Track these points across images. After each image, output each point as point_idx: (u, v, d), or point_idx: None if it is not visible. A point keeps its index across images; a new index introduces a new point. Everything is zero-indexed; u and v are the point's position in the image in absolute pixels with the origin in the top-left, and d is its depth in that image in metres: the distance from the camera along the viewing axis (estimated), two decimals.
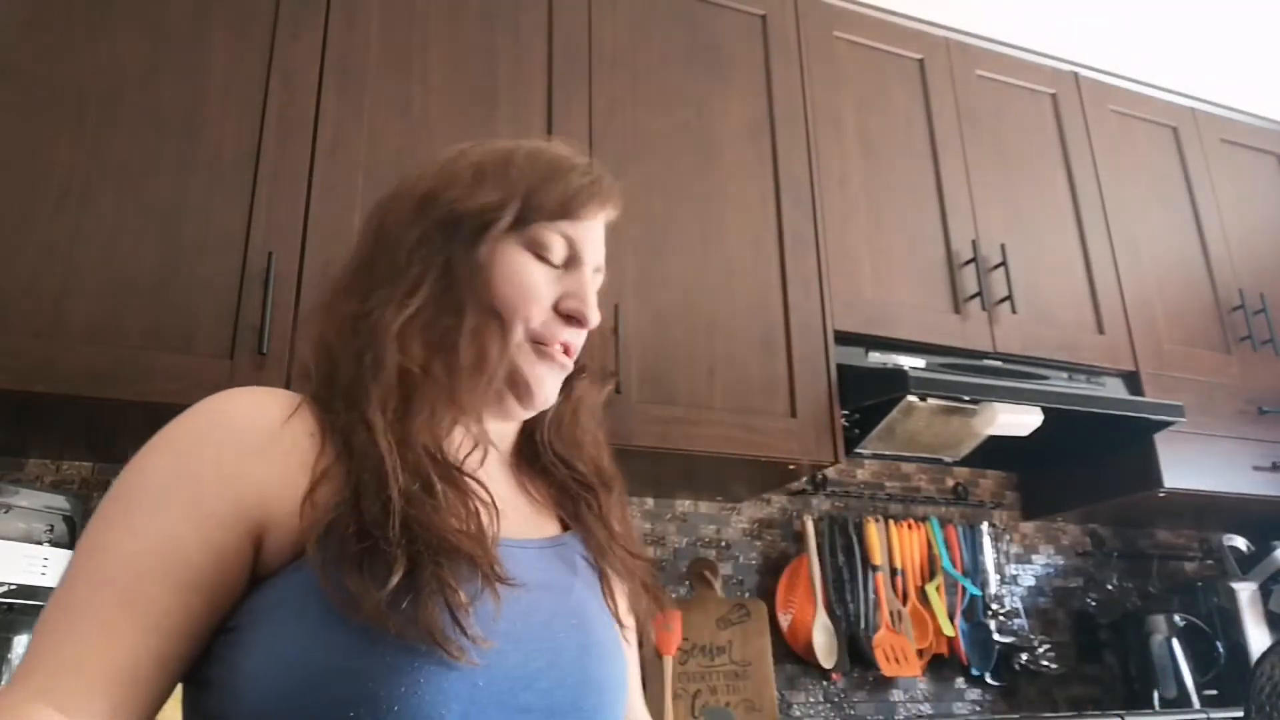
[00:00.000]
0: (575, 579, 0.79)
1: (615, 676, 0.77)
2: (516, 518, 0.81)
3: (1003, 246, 2.25)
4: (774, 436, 1.87)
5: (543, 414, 0.86)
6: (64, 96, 1.54)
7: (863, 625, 2.18)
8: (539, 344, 0.79)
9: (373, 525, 0.66)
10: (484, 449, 0.78)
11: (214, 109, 1.63)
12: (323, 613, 0.64)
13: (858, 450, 2.22)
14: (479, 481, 0.74)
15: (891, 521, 2.31)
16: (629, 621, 0.87)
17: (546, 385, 0.80)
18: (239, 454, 0.68)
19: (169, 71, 1.62)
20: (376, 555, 0.65)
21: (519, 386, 0.80)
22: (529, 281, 0.79)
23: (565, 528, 0.85)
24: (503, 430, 0.85)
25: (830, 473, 2.30)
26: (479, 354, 0.77)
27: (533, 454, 0.88)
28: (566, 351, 0.81)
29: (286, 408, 0.72)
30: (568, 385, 0.86)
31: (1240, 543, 2.54)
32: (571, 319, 0.80)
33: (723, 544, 2.19)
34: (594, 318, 0.81)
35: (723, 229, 1.98)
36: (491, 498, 0.74)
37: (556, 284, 0.81)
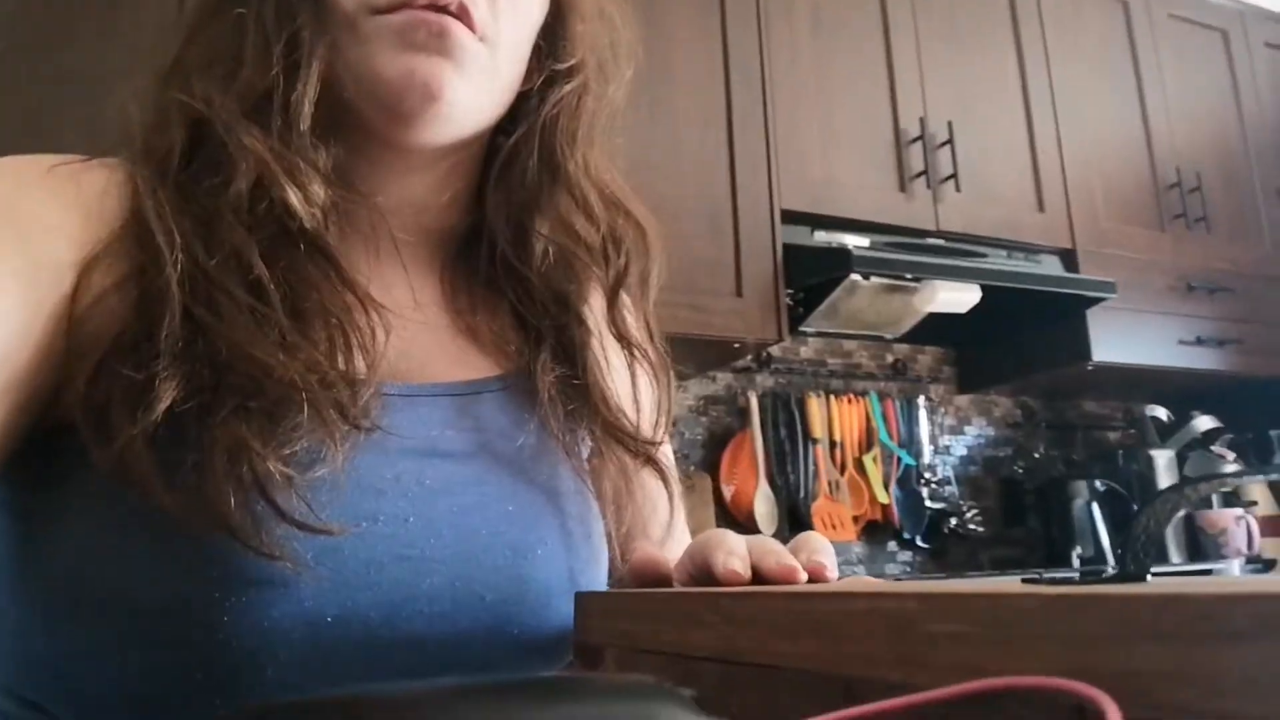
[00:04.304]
0: (519, 434, 0.56)
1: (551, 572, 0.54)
2: (427, 350, 0.57)
3: (950, 124, 2.25)
4: (720, 315, 1.90)
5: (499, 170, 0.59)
6: (64, 91, 1.47)
7: (802, 494, 2.28)
8: (388, 13, 0.49)
9: (140, 330, 0.45)
10: (374, 228, 0.55)
11: None
12: (118, 502, 0.44)
13: (801, 328, 2.27)
14: (339, 267, 0.50)
15: (832, 397, 2.38)
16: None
17: (421, 70, 0.49)
18: (23, 193, 0.49)
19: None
20: (142, 384, 0.43)
21: (380, 90, 0.50)
22: None
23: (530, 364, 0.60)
24: (415, 196, 0.57)
25: (774, 350, 2.35)
26: (288, 67, 0.50)
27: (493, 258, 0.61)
28: (436, 10, 0.49)
29: (79, 157, 0.53)
30: (537, 98, 0.58)
31: (1161, 413, 2.66)
32: None
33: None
34: None
35: (670, 107, 1.95)
36: (363, 299, 0.50)
37: None
